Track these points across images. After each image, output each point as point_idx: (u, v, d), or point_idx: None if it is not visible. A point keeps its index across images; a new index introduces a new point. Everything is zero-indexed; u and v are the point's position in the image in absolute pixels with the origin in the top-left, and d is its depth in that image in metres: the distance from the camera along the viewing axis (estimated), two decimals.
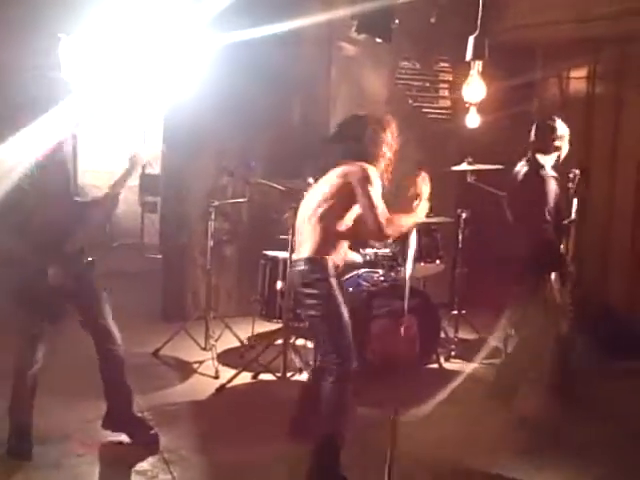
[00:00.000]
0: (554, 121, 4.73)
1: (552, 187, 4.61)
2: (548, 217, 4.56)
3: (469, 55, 4.65)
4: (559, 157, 4.75)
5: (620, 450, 4.22)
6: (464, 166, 5.67)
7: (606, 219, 6.64)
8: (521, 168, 4.83)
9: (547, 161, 4.74)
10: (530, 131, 4.85)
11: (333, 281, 3.52)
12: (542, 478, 3.88)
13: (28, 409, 3.77)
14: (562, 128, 4.73)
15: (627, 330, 5.76)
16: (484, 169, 5.61)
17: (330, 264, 3.53)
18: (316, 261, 3.52)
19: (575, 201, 4.74)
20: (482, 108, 5.15)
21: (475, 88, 4.80)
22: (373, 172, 3.55)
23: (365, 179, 3.49)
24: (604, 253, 6.62)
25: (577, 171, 4.81)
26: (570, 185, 4.79)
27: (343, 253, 3.65)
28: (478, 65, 4.67)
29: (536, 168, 4.70)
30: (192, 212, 6.42)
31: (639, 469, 4.04)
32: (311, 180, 5.09)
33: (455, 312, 6.00)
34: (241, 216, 6.61)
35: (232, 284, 6.64)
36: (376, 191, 3.48)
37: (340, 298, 3.51)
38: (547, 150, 4.71)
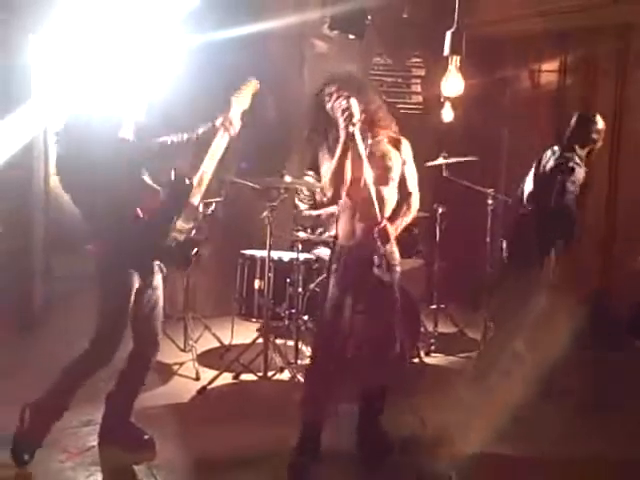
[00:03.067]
0: (595, 115, 4.93)
1: (580, 177, 4.74)
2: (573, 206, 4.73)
3: (447, 50, 4.67)
4: (592, 150, 4.90)
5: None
6: (440, 160, 5.69)
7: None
8: (550, 157, 4.98)
9: (581, 153, 4.91)
10: (569, 122, 5.00)
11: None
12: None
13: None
14: (601, 123, 4.92)
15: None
16: (459, 162, 5.67)
17: None
18: None
19: None
20: (455, 103, 5.28)
21: (453, 83, 4.82)
22: None
23: None
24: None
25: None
26: None
27: None
28: (456, 60, 4.69)
29: (568, 158, 4.85)
30: None
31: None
32: (288, 178, 5.05)
33: (434, 306, 6.03)
34: (217, 215, 6.46)
35: (210, 284, 6.57)
36: None
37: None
38: (585, 142, 4.90)
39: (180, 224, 3.54)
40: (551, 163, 4.91)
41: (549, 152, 5.01)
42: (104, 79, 5.57)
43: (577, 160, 4.81)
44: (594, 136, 4.87)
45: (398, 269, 3.72)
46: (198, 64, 5.78)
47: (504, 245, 5.10)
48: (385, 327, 3.60)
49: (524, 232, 4.91)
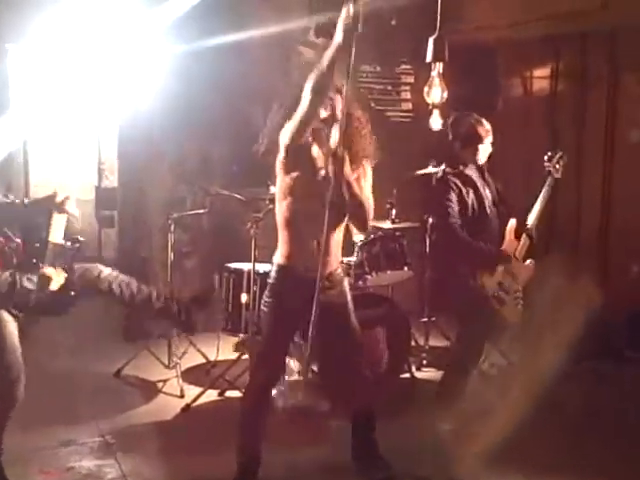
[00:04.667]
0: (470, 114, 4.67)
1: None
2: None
3: (429, 57, 4.60)
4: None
5: None
6: (430, 169, 5.46)
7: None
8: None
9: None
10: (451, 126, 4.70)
11: None
12: None
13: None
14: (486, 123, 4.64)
15: None
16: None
17: None
18: None
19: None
20: (443, 110, 5.06)
21: (436, 90, 4.75)
22: None
23: None
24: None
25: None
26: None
27: None
28: (439, 67, 4.62)
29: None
30: (151, 225, 6.25)
31: None
32: (274, 189, 4.98)
33: (425, 319, 5.88)
34: (202, 228, 6.41)
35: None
36: None
37: None
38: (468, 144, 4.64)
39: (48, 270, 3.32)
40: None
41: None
42: (83, 89, 5.61)
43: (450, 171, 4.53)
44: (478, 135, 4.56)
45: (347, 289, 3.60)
46: (183, 73, 5.73)
47: None
48: (349, 349, 3.57)
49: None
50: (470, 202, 4.47)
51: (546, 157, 4.81)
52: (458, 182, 4.48)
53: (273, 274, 3.45)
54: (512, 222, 4.52)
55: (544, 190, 4.69)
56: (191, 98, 5.81)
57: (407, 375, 5.37)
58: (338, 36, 3.00)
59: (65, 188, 3.67)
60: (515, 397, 4.23)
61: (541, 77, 6.94)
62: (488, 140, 4.60)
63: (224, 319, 5.37)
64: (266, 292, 3.46)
